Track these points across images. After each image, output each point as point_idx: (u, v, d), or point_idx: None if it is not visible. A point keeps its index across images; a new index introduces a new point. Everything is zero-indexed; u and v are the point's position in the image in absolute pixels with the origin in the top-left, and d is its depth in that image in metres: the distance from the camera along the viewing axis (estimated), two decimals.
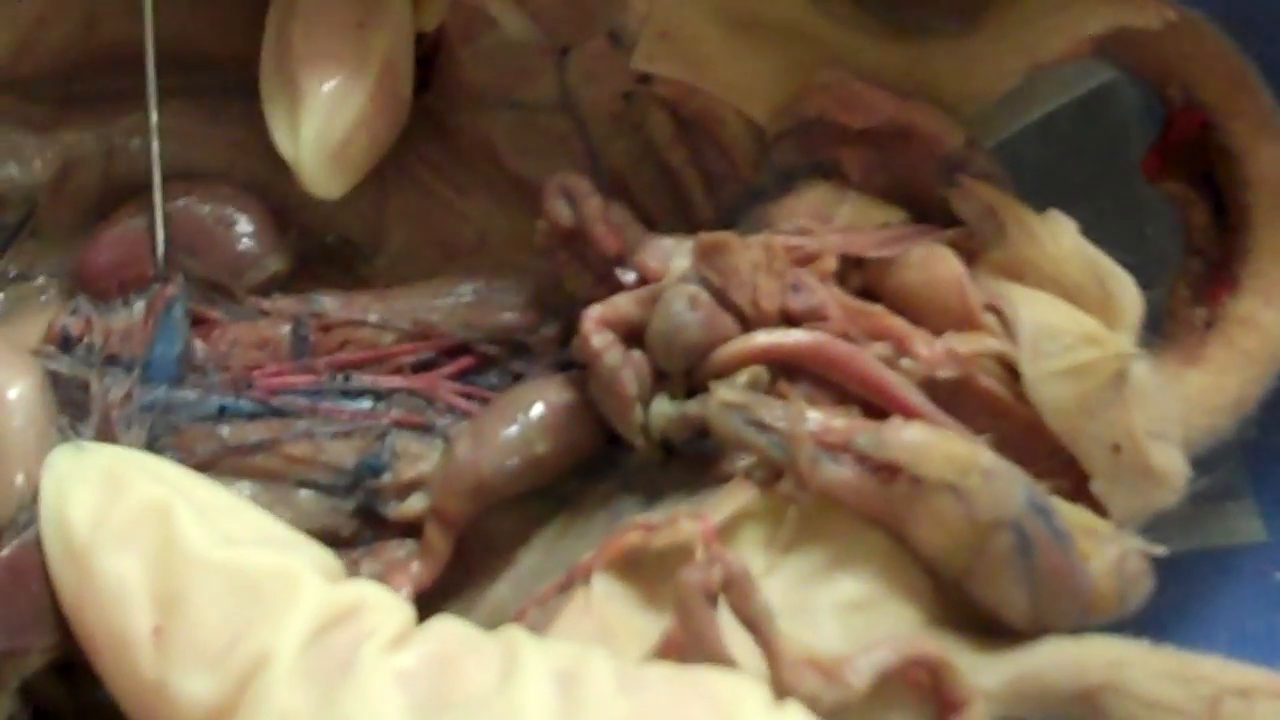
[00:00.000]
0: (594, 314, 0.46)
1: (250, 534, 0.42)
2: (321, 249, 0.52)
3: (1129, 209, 0.56)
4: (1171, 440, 0.48)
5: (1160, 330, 0.53)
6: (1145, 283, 0.49)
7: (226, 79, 0.52)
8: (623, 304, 0.47)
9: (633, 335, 0.47)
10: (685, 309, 0.46)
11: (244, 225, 0.50)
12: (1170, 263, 0.54)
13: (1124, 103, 0.56)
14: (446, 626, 0.40)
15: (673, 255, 0.47)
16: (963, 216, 0.49)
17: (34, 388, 0.45)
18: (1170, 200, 0.55)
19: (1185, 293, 0.53)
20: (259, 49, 0.51)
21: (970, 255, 0.49)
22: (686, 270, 0.47)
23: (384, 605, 0.40)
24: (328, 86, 0.49)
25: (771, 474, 0.45)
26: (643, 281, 0.47)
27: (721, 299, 0.46)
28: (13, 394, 0.44)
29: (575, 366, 0.48)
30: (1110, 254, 0.49)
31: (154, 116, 0.50)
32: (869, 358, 0.46)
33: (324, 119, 0.48)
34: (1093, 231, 0.49)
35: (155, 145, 0.50)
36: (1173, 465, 0.48)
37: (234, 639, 0.39)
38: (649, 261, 0.47)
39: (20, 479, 0.43)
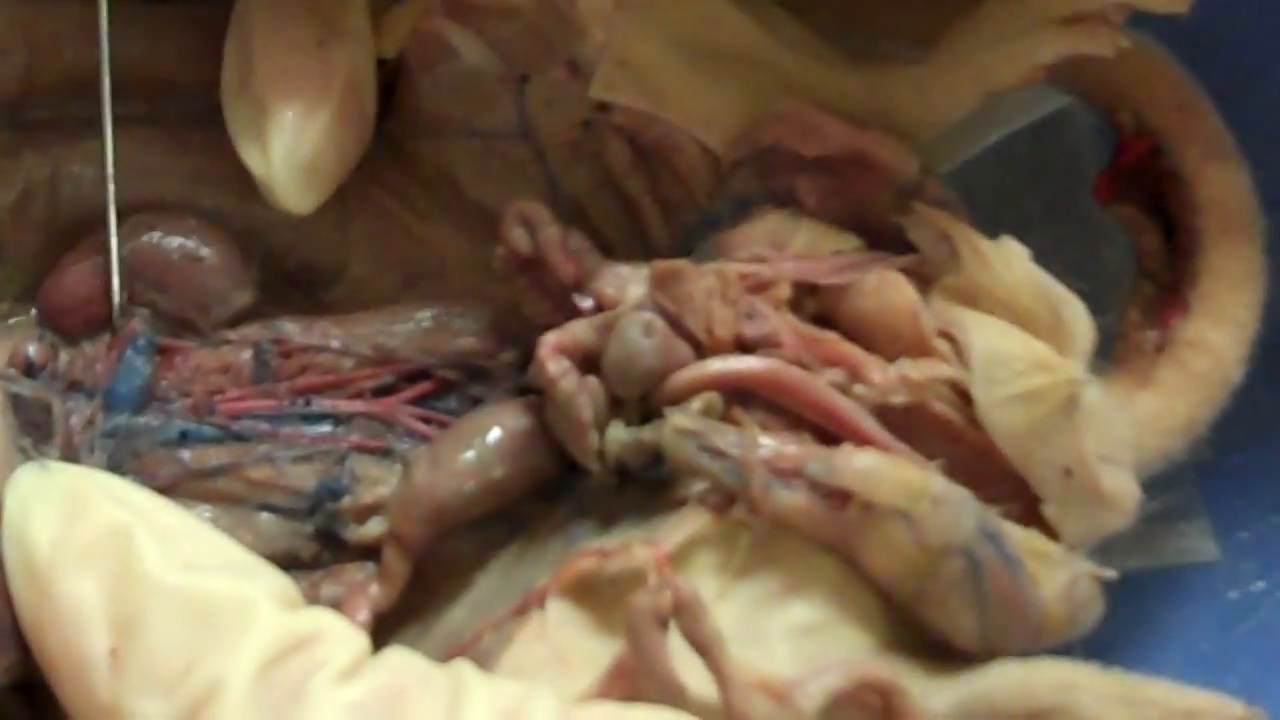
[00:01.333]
0: (550, 341, 0.47)
1: (210, 560, 0.42)
2: (283, 274, 0.52)
3: (1085, 234, 0.57)
4: (1123, 464, 0.49)
5: (1113, 354, 0.54)
6: (1102, 307, 0.50)
7: (188, 106, 0.52)
8: (579, 331, 0.47)
9: (589, 361, 0.47)
10: (640, 336, 0.46)
11: (211, 261, 0.50)
12: (1127, 286, 0.55)
13: (1078, 128, 0.57)
14: (398, 659, 0.40)
15: (629, 282, 0.48)
16: (916, 243, 0.50)
17: None
18: (1122, 224, 0.55)
19: (1136, 316, 0.54)
20: (220, 76, 0.51)
21: (924, 281, 0.49)
22: (642, 297, 0.47)
23: (338, 635, 0.40)
24: (293, 103, 0.49)
25: (725, 500, 0.45)
26: (600, 308, 0.48)
27: (676, 326, 0.47)
28: None
29: (533, 392, 0.49)
30: (1066, 279, 0.49)
31: (109, 154, 0.50)
32: (822, 384, 0.47)
33: (293, 135, 0.49)
34: (1049, 257, 0.50)
35: (110, 186, 0.50)
36: (1124, 489, 0.48)
37: (188, 666, 0.39)
38: (605, 289, 0.48)
39: None
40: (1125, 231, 0.55)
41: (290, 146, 0.49)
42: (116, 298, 0.50)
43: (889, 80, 0.51)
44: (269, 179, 0.49)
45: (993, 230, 0.50)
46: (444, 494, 0.47)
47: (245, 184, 0.51)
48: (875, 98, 0.51)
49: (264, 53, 0.50)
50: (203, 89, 0.52)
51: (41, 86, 0.52)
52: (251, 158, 0.49)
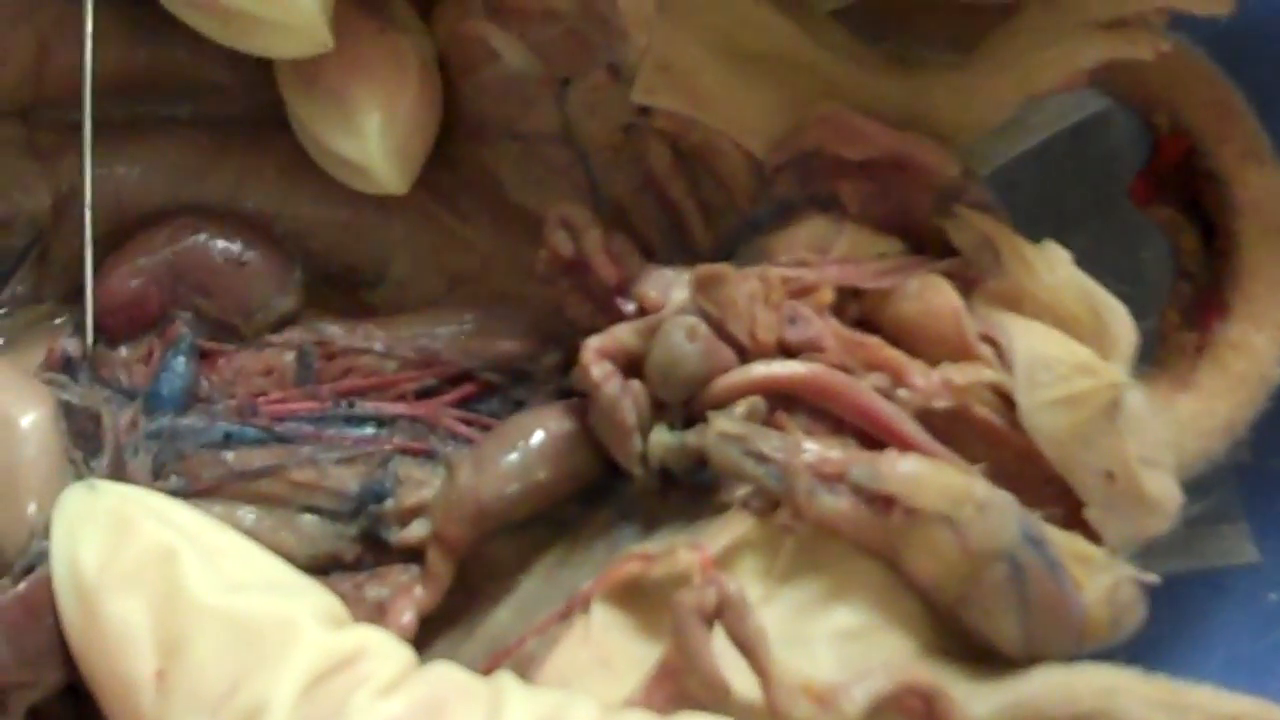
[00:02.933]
0: (594, 345, 0.47)
1: (255, 579, 0.42)
2: (326, 276, 0.52)
3: (1124, 237, 0.57)
4: (1164, 467, 0.49)
5: (1154, 357, 0.53)
6: (1142, 310, 0.50)
7: (232, 107, 0.52)
8: (622, 334, 0.47)
9: (632, 365, 0.47)
10: (684, 340, 0.46)
11: (255, 265, 0.51)
12: (1167, 289, 0.55)
13: (1116, 130, 0.57)
14: (439, 671, 0.41)
15: (672, 286, 0.48)
16: (959, 246, 0.50)
17: (47, 417, 0.45)
18: (1160, 225, 0.55)
19: (1176, 318, 0.54)
20: (264, 74, 0.51)
21: (966, 285, 0.49)
22: (685, 301, 0.47)
23: (382, 651, 0.41)
24: (376, 88, 0.49)
25: (768, 504, 0.45)
26: (642, 311, 0.48)
27: (719, 330, 0.47)
28: (26, 423, 0.45)
29: (575, 395, 0.49)
30: (1106, 282, 0.49)
31: (88, 163, 0.50)
32: (865, 389, 0.47)
33: (384, 118, 0.49)
34: (1088, 260, 0.50)
35: (88, 204, 0.50)
36: (1166, 492, 0.48)
37: (233, 686, 0.39)
38: (649, 292, 0.48)
39: (33, 508, 0.44)
40: (1163, 233, 0.55)
41: (383, 129, 0.49)
42: (89, 330, 0.50)
43: (929, 84, 0.51)
44: (368, 163, 0.49)
45: (1032, 233, 0.50)
46: (488, 496, 0.48)
47: (288, 185, 0.51)
48: (915, 101, 0.51)
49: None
50: (247, 90, 0.52)
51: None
52: (346, 146, 0.49)
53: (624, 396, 0.47)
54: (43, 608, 0.42)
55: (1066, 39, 0.49)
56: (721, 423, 0.46)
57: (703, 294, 0.47)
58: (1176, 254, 0.55)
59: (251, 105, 0.51)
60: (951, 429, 0.47)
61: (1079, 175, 0.58)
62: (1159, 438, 0.49)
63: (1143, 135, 0.56)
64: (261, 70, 0.51)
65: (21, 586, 0.43)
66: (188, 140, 0.52)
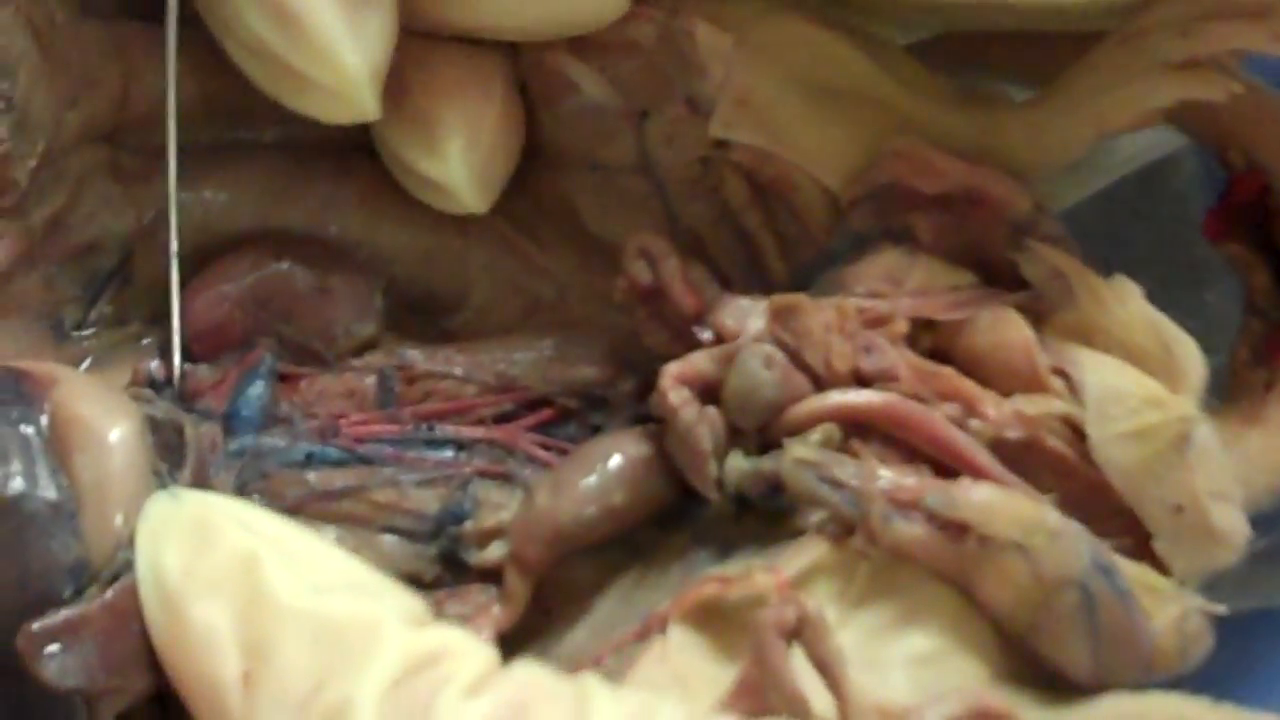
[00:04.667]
0: (672, 371, 0.48)
1: (337, 581, 0.43)
2: (406, 302, 0.53)
3: (1189, 278, 0.58)
4: (1232, 501, 0.49)
5: (1221, 394, 0.54)
6: (1205, 348, 0.50)
7: (318, 132, 0.53)
8: (700, 362, 0.48)
9: (709, 392, 0.48)
10: (760, 368, 0.47)
11: (338, 292, 0.52)
12: (1230, 329, 0.56)
13: (1185, 172, 0.58)
14: (524, 672, 0.41)
15: (749, 315, 0.48)
16: (1030, 279, 0.50)
17: (134, 431, 0.46)
18: (1230, 262, 0.56)
19: (1246, 354, 0.54)
20: None
21: (1038, 318, 0.50)
22: (761, 330, 0.48)
23: (465, 650, 0.41)
24: (462, 107, 0.51)
25: (843, 530, 0.46)
26: (719, 340, 0.49)
27: (795, 359, 0.48)
28: (114, 436, 0.46)
29: (652, 420, 0.50)
30: (1173, 319, 0.50)
31: (173, 183, 0.51)
32: (939, 418, 0.47)
33: (467, 137, 0.50)
34: (1156, 298, 0.50)
35: (174, 229, 0.51)
36: (1234, 525, 0.48)
37: (318, 686, 0.40)
38: (725, 321, 0.49)
39: (120, 520, 0.45)
40: (1234, 269, 0.56)
41: (466, 149, 0.50)
42: (176, 355, 0.51)
43: (1003, 120, 0.52)
44: (450, 183, 0.50)
45: (1102, 270, 0.50)
46: (565, 518, 0.48)
47: (370, 212, 0.52)
48: (989, 137, 0.51)
49: (417, 65, 0.51)
50: None
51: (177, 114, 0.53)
52: (429, 166, 0.51)
53: (700, 422, 0.47)
54: (130, 615, 0.43)
55: (1140, 78, 0.50)
56: (797, 449, 0.46)
57: (779, 323, 0.48)
58: (1247, 290, 0.55)
59: (336, 131, 0.52)
60: (1023, 459, 0.48)
61: (1144, 216, 0.59)
62: (1227, 472, 0.49)
63: (1210, 178, 0.56)
64: None
65: (109, 594, 0.43)
66: (273, 165, 0.53)
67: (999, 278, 0.51)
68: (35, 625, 0.43)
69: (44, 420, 0.45)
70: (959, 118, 0.52)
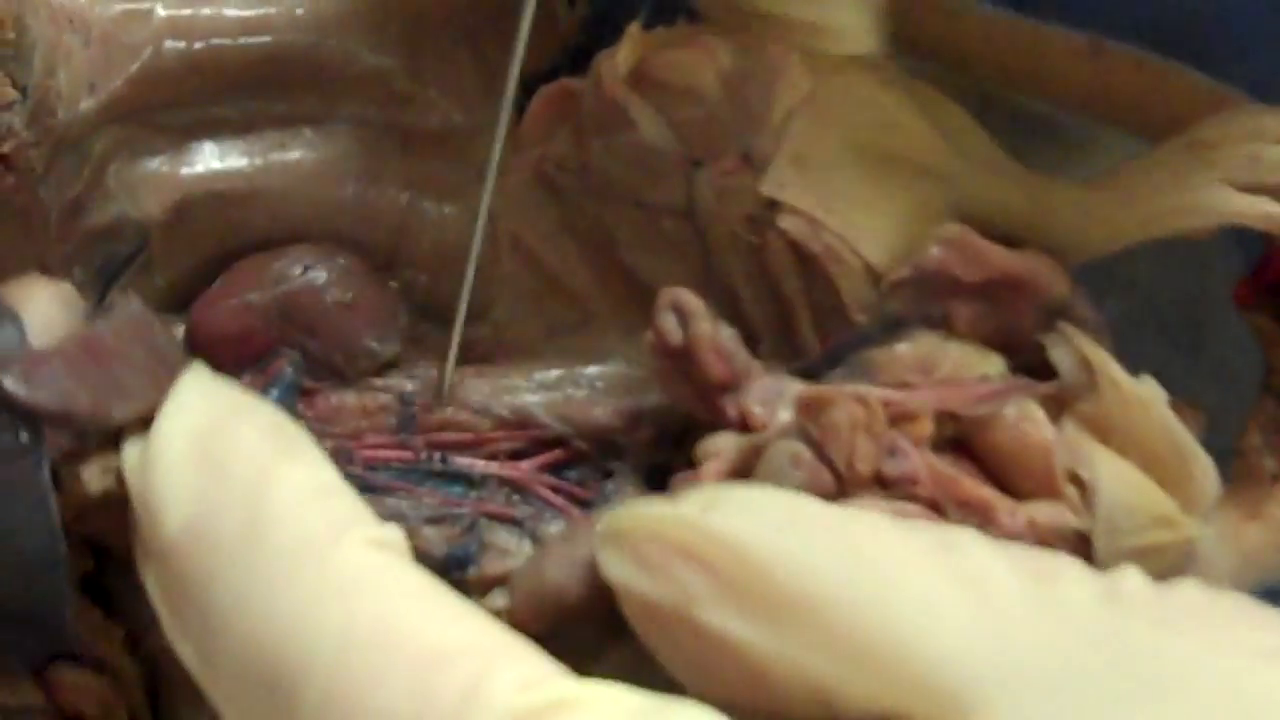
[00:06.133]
0: (715, 471, 0.47)
1: None
2: (425, 310, 0.53)
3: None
4: None
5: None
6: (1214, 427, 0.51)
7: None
8: (733, 454, 0.48)
9: (734, 478, 0.48)
10: (789, 467, 0.47)
11: (363, 310, 0.51)
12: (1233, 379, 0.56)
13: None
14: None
15: (777, 403, 0.48)
16: (1056, 366, 0.50)
17: None
18: (1255, 333, 0.56)
19: (1257, 439, 0.54)
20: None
21: (1060, 405, 0.50)
22: (789, 425, 0.48)
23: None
24: None
25: None
26: (743, 419, 0.48)
27: (819, 453, 0.47)
28: None
29: (660, 467, 0.50)
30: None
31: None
32: None
33: None
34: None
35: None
36: None
37: None
38: (754, 408, 0.48)
39: None
40: (1258, 342, 0.55)
41: None
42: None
43: (1056, 201, 0.51)
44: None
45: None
46: (573, 599, 0.48)
47: (392, 217, 0.51)
48: (1038, 213, 0.51)
49: None
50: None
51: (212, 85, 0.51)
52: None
53: None
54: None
55: (1201, 191, 0.49)
56: None
57: (806, 416, 0.48)
58: (1268, 369, 0.55)
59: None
60: None
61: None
62: (1223, 578, 0.50)
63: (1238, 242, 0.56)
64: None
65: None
66: (295, 164, 0.52)
67: (1027, 357, 0.51)
68: None
69: None
70: (1013, 193, 0.51)
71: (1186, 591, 0.41)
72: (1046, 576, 0.40)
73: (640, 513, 0.42)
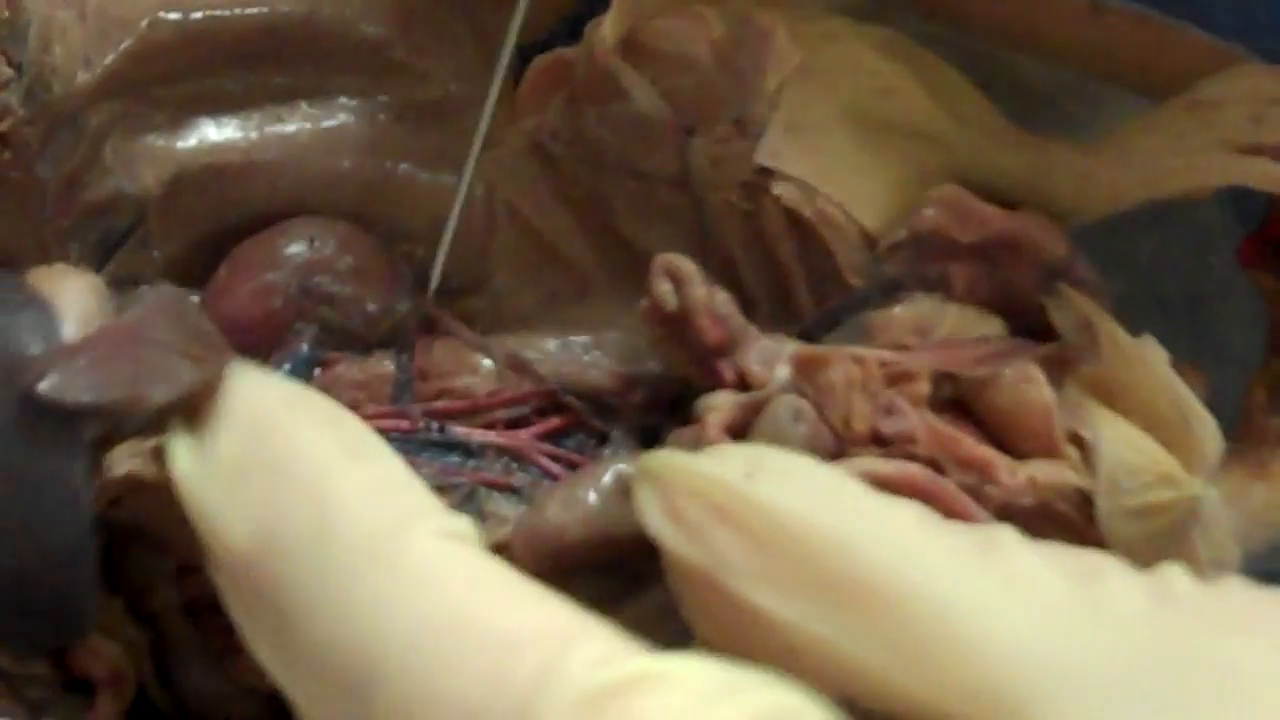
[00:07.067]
0: (717, 423, 0.47)
1: None
2: (423, 283, 0.53)
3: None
4: (1231, 565, 0.50)
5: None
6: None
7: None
8: (733, 409, 0.48)
9: (733, 435, 0.48)
10: (791, 421, 0.47)
11: (374, 273, 0.51)
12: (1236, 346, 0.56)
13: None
14: None
15: (774, 361, 0.48)
16: (1058, 327, 0.50)
17: None
18: (1260, 293, 0.55)
19: (1262, 398, 0.54)
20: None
21: (1061, 367, 0.49)
22: (788, 381, 0.48)
23: None
24: None
25: None
26: (741, 378, 0.48)
27: (819, 413, 0.47)
28: None
29: (654, 430, 0.50)
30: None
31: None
32: (954, 490, 0.47)
33: None
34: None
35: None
36: None
37: None
38: (752, 365, 0.48)
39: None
40: (1263, 300, 0.55)
41: None
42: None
43: (1054, 163, 0.51)
44: None
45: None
46: (572, 538, 0.48)
47: (390, 190, 0.51)
48: (1037, 179, 0.51)
49: None
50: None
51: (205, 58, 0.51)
52: None
53: None
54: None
55: (1201, 152, 0.49)
56: None
57: (802, 376, 0.47)
58: (1272, 327, 0.55)
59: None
60: (1034, 522, 0.48)
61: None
62: (1229, 536, 0.50)
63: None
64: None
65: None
66: (296, 135, 0.52)
67: (1028, 321, 0.50)
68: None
69: None
70: (1010, 157, 0.51)
71: (1235, 590, 0.40)
72: (1090, 576, 0.40)
73: (680, 463, 0.42)
